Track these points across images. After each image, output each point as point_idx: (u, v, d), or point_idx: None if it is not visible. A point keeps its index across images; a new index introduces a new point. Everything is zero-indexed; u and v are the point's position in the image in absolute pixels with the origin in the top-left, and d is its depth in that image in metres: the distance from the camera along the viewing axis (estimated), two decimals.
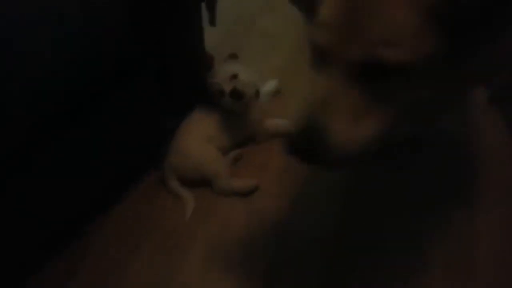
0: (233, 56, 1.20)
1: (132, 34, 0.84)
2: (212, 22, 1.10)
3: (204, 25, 1.14)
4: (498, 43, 0.61)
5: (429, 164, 1.16)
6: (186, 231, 1.07)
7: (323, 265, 0.97)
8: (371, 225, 1.04)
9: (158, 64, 1.03)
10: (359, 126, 0.58)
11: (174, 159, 1.14)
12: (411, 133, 1.16)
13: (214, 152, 1.15)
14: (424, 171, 1.14)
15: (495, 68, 0.82)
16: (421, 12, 0.54)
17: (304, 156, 0.59)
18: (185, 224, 1.09)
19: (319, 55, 0.60)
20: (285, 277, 0.95)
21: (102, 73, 0.86)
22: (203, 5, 1.05)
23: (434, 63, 0.56)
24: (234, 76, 1.11)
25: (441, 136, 1.22)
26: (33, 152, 0.83)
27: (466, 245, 0.98)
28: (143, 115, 1.09)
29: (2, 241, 0.85)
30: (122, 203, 1.13)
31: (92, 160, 0.99)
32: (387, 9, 0.53)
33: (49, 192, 0.92)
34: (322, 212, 1.07)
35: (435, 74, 0.58)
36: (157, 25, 0.90)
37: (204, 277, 0.98)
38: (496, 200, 1.07)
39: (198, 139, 1.14)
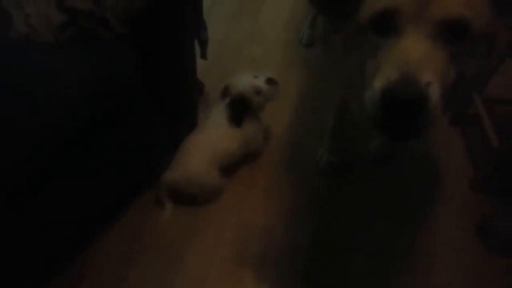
0: None
1: (139, 80, 0.96)
2: (204, 56, 1.22)
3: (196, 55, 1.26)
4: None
5: (399, 175, 1.33)
6: (180, 244, 1.17)
7: (303, 269, 1.11)
8: (344, 234, 1.19)
9: (156, 92, 1.14)
10: (444, 87, 0.59)
11: (174, 174, 1.21)
12: (387, 149, 1.32)
13: (215, 172, 1.23)
14: (394, 182, 1.32)
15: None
16: None
17: (406, 114, 0.58)
18: (179, 238, 1.19)
19: (385, 22, 0.61)
20: (272, 280, 1.09)
21: (108, 105, 0.97)
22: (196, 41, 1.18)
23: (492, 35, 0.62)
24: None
25: (410, 152, 1.39)
26: (43, 175, 0.92)
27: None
28: (141, 138, 1.19)
29: (12, 259, 0.94)
30: (120, 222, 1.21)
31: (95, 179, 1.08)
32: None
33: (54, 211, 1.01)
34: (302, 224, 1.21)
35: (489, 46, 0.63)
36: (160, 69, 1.02)
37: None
38: (452, 208, 1.25)
39: (200, 158, 1.21)
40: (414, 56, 0.57)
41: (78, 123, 0.90)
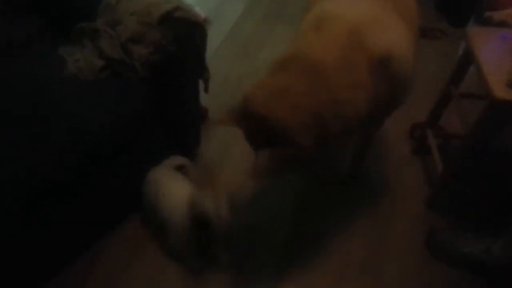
0: None
1: (153, 110, 1.29)
2: (206, 90, 1.54)
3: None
4: None
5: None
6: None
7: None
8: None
9: (167, 119, 1.44)
10: None
11: None
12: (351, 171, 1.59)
13: None
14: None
15: None
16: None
17: None
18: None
19: None
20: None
21: (128, 129, 1.27)
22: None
23: None
24: None
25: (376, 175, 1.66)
26: (68, 183, 1.13)
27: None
28: (153, 156, 1.43)
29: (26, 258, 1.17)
30: (117, 234, 1.44)
31: (112, 191, 1.35)
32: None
33: (81, 211, 1.27)
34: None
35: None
36: (170, 102, 1.35)
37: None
38: (407, 220, 1.50)
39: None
40: None
41: (106, 140, 1.19)
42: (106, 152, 1.22)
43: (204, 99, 1.65)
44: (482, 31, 1.34)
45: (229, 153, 1.70)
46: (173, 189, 1.28)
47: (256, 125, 0.97)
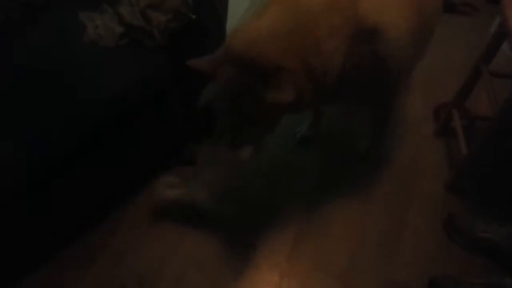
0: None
1: (171, 77, 1.28)
2: None
3: None
4: None
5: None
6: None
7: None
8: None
9: (183, 88, 1.42)
10: None
11: None
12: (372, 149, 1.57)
13: None
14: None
15: None
16: None
17: None
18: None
19: None
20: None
21: (146, 95, 1.27)
22: None
23: None
24: None
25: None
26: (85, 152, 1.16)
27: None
28: (168, 125, 1.45)
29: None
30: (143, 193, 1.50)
31: (128, 157, 1.36)
32: None
33: (100, 177, 1.30)
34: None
35: None
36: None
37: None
38: (425, 202, 1.47)
39: None
40: None
41: (124, 105, 1.20)
42: (122, 119, 1.22)
43: None
44: None
45: None
46: None
47: (240, 71, 0.92)
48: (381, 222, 1.42)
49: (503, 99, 1.16)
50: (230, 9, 1.43)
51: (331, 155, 1.64)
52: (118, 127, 1.23)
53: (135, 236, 1.41)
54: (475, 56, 1.40)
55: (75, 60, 1.18)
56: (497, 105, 1.21)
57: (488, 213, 1.38)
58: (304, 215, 1.44)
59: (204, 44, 1.32)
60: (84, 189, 1.27)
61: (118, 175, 1.38)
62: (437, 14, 1.22)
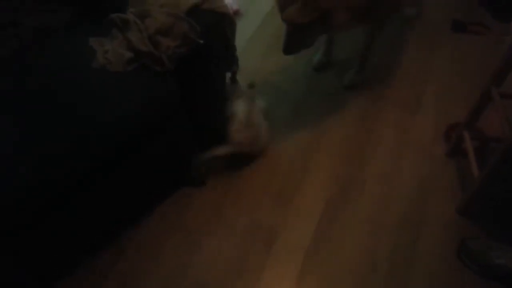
0: (251, 86, 1.67)
1: (179, 102, 1.30)
2: (234, 81, 1.53)
3: None
4: None
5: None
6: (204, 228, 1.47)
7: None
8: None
9: (192, 112, 1.43)
10: None
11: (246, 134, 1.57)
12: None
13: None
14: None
15: None
16: None
17: None
18: (201, 223, 1.47)
19: None
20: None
21: (155, 120, 1.28)
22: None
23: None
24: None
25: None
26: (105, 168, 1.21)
27: None
28: (177, 147, 1.47)
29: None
30: (157, 211, 1.53)
31: (142, 178, 1.39)
32: None
33: (116, 195, 1.32)
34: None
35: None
36: (196, 95, 1.34)
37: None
38: (437, 226, 1.43)
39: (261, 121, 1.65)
40: None
41: (132, 131, 1.21)
42: (131, 143, 1.24)
43: None
44: None
45: None
46: None
47: None
48: (392, 246, 1.39)
49: None
50: (238, 32, 1.44)
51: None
52: (128, 150, 1.24)
53: (142, 258, 1.41)
54: (487, 75, 1.38)
55: (85, 84, 1.20)
56: (509, 127, 1.18)
57: (503, 238, 1.33)
58: (312, 243, 1.42)
59: (212, 68, 1.33)
60: (93, 211, 1.28)
61: (127, 197, 1.39)
62: None
